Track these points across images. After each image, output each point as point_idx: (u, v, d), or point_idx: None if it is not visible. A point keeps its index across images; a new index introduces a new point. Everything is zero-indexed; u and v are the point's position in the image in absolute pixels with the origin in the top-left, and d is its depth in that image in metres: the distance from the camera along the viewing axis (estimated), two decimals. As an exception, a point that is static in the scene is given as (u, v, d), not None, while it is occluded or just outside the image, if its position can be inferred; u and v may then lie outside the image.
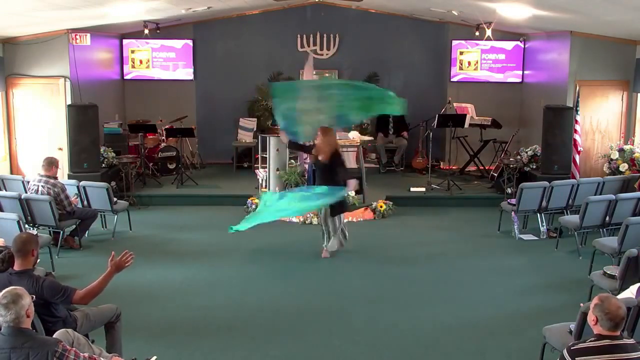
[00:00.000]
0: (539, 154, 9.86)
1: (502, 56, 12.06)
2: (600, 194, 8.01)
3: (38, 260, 4.41)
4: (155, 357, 4.19)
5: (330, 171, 7.04)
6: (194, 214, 9.36)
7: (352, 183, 7.18)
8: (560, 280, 6.62)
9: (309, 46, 12.24)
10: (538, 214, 8.23)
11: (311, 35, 12.21)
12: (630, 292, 4.45)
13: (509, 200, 8.53)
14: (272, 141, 9.32)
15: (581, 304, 4.18)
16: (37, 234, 6.58)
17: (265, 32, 12.29)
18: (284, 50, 12.26)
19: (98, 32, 10.38)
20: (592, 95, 9.99)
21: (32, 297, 3.39)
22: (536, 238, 8.18)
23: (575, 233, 7.41)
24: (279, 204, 6.99)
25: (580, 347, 3.27)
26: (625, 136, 9.85)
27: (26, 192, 7.56)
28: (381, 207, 9.19)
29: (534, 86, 11.63)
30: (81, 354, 3.33)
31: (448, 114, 11.04)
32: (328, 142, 7.04)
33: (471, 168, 11.60)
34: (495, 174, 10.33)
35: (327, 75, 11.87)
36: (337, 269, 7.01)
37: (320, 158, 7.09)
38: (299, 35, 12.20)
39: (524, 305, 5.95)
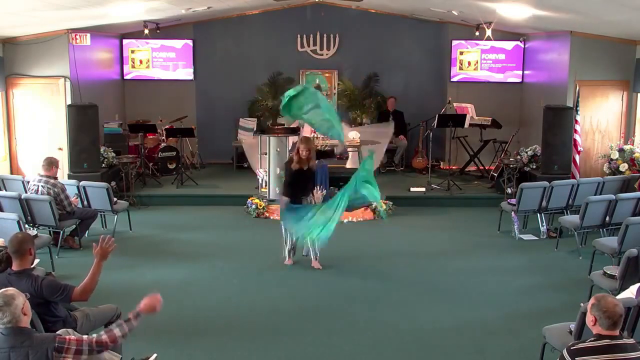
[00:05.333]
0: (539, 154, 9.86)
1: (502, 56, 12.06)
2: (600, 194, 8.01)
3: (37, 260, 4.41)
4: (155, 355, 4.19)
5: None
6: (194, 214, 9.36)
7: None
8: (560, 280, 6.62)
9: (309, 46, 12.24)
10: (538, 214, 8.23)
11: (311, 35, 12.22)
12: (630, 292, 4.45)
13: (509, 200, 8.53)
14: (272, 141, 9.31)
15: (581, 304, 4.18)
16: (36, 234, 6.60)
17: (265, 32, 12.29)
18: (284, 50, 12.26)
19: (98, 32, 10.38)
20: (592, 95, 9.99)
21: (27, 295, 3.38)
22: (536, 238, 8.18)
23: (575, 233, 7.41)
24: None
25: (580, 347, 3.27)
26: (625, 136, 9.84)
27: (26, 192, 7.56)
28: (381, 207, 9.17)
29: (534, 86, 11.63)
30: (83, 337, 3.35)
31: (448, 114, 11.04)
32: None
33: (471, 168, 11.60)
34: (495, 174, 10.32)
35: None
36: (337, 268, 7.00)
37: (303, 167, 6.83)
38: (299, 35, 12.20)
39: (524, 305, 5.94)
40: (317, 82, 12.23)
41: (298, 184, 6.79)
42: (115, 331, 3.43)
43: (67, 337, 3.31)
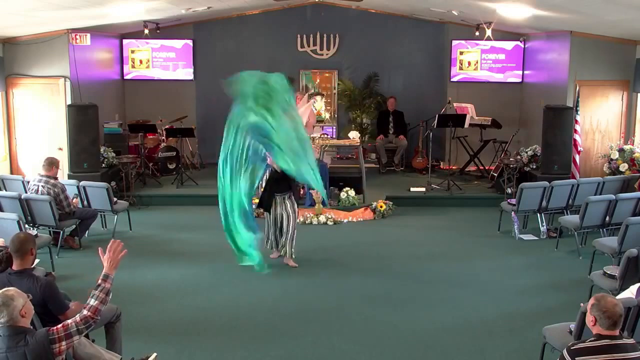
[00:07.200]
0: (539, 154, 9.86)
1: (502, 56, 12.06)
2: (600, 194, 8.01)
3: (37, 260, 4.40)
4: (155, 354, 4.18)
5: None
6: (194, 214, 9.36)
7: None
8: (560, 280, 6.62)
9: (309, 46, 12.24)
10: (538, 214, 8.23)
11: (311, 35, 12.21)
12: (630, 292, 4.45)
13: (509, 200, 8.52)
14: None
15: (581, 304, 4.18)
16: (36, 234, 6.60)
17: (265, 32, 12.29)
18: (284, 50, 12.26)
19: (98, 32, 10.38)
20: (592, 95, 9.99)
21: (29, 296, 3.38)
22: (536, 238, 8.18)
23: (575, 233, 7.41)
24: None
25: (580, 347, 3.27)
26: (625, 136, 9.84)
27: (26, 192, 7.56)
28: (381, 207, 9.19)
29: (534, 86, 11.63)
30: (68, 321, 3.37)
31: (448, 114, 11.03)
32: None
33: (471, 168, 11.60)
34: (495, 174, 10.32)
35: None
36: (337, 269, 7.00)
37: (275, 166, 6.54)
38: (299, 35, 12.20)
39: (524, 305, 5.95)
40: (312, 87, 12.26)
41: (273, 180, 6.89)
42: (94, 303, 3.47)
43: (55, 327, 3.32)
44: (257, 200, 9.31)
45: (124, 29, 11.27)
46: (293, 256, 7.08)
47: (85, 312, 3.44)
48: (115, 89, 11.99)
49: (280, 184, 6.91)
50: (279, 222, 7.06)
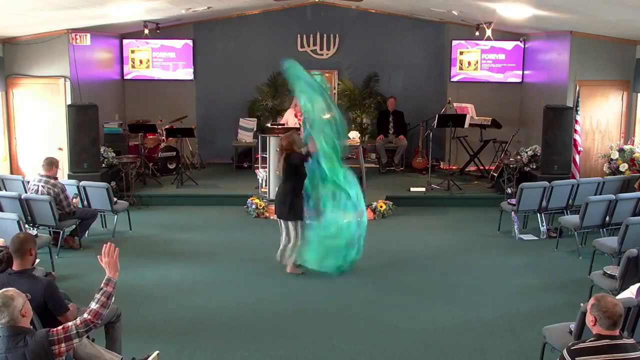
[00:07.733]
0: (539, 154, 9.86)
1: (502, 56, 12.06)
2: (600, 194, 8.02)
3: (37, 260, 4.40)
4: (157, 352, 4.18)
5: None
6: (194, 214, 9.36)
7: None
8: (560, 280, 6.63)
9: (309, 46, 12.24)
10: (538, 214, 8.23)
11: (311, 35, 12.21)
12: (630, 292, 4.46)
13: (509, 200, 8.53)
14: (272, 141, 9.30)
15: (581, 304, 4.18)
16: (36, 234, 6.61)
17: (265, 32, 12.29)
18: (284, 50, 12.21)
19: (98, 32, 10.38)
20: (592, 95, 9.99)
21: (27, 296, 3.39)
22: (536, 238, 8.18)
23: (575, 233, 7.42)
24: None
25: (580, 347, 3.27)
26: (625, 136, 9.84)
27: (26, 192, 7.56)
28: (381, 207, 9.19)
29: (534, 86, 11.63)
30: (68, 324, 3.37)
31: (448, 114, 11.03)
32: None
33: (471, 168, 11.60)
34: (495, 174, 10.32)
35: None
36: (337, 269, 7.00)
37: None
38: (299, 35, 12.20)
39: (524, 305, 5.95)
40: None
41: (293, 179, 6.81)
42: (95, 307, 3.47)
43: (55, 329, 3.33)
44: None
45: (124, 29, 11.27)
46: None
47: (86, 315, 3.44)
48: (115, 89, 11.99)
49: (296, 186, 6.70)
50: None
